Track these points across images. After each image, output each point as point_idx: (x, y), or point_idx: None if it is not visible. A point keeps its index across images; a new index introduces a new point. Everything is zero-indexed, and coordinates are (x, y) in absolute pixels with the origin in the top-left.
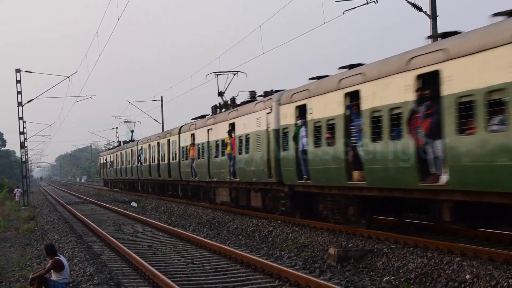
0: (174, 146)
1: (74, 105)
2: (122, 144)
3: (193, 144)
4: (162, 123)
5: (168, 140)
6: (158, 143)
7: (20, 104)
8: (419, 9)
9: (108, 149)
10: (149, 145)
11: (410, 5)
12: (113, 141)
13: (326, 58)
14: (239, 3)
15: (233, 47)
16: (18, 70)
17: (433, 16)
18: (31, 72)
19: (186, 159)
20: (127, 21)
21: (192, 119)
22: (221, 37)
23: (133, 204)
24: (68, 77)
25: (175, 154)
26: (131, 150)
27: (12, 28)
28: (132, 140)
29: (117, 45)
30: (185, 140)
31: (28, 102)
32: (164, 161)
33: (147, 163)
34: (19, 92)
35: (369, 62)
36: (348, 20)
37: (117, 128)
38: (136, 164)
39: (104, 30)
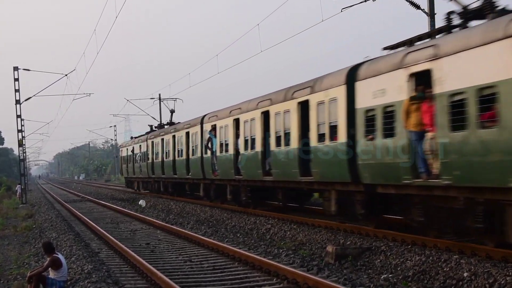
0: (329, 112)
1: (72, 103)
2: (158, 128)
3: (425, 95)
4: (160, 121)
5: (302, 104)
6: (265, 113)
7: (18, 102)
8: (417, 7)
9: (134, 137)
10: (236, 120)
11: (408, 3)
12: (111, 139)
13: (325, 57)
14: (237, 2)
15: (231, 45)
16: (16, 68)
17: (431, 14)
18: (29, 70)
19: (385, 137)
20: (126, 19)
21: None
22: (219, 35)
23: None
24: (66, 75)
25: (334, 129)
26: (186, 133)
27: (11, 28)
28: (172, 123)
29: (115, 43)
30: (383, 92)
31: (26, 100)
32: (288, 145)
33: (229, 152)
34: (17, 90)
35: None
36: (346, 18)
37: (115, 126)
38: (198, 155)
39: (103, 28)
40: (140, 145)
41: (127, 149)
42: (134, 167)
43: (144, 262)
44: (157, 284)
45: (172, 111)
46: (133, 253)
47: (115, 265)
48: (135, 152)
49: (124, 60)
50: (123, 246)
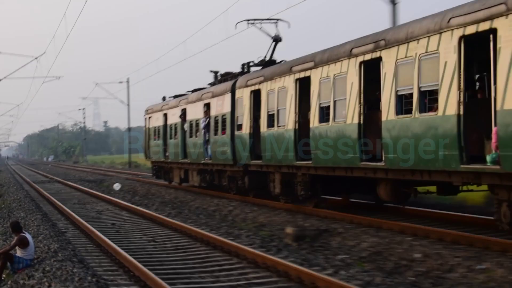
0: None
1: (42, 86)
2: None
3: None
4: (128, 105)
5: None
6: None
7: None
8: None
9: (175, 97)
10: None
11: None
12: (80, 122)
13: (294, 42)
14: None
15: (199, 31)
16: None
17: (393, 2)
18: None
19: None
20: (96, 4)
21: None
22: (187, 21)
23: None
24: (36, 58)
25: None
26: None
27: None
28: (272, 61)
29: (85, 27)
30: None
31: None
32: None
33: None
34: None
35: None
36: (313, 5)
37: (84, 109)
38: None
39: (73, 13)
40: (205, 104)
41: (164, 115)
42: (187, 146)
43: (109, 241)
44: (121, 263)
45: (276, 39)
46: (98, 233)
47: (81, 244)
48: (188, 118)
49: (94, 44)
50: (89, 226)
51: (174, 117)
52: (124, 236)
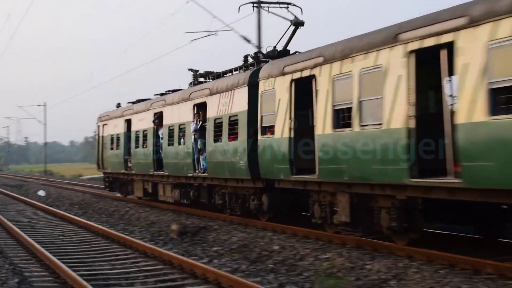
0: None
1: None
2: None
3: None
4: (45, 124)
5: None
6: None
7: None
8: (248, 41)
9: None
10: None
11: (242, 38)
12: (5, 137)
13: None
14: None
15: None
16: None
17: (259, 47)
18: None
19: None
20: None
21: None
22: (94, 49)
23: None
24: None
25: None
26: None
27: None
28: (286, 51)
29: (9, 55)
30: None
31: None
32: None
33: None
34: None
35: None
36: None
37: (8, 127)
38: None
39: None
40: (196, 105)
41: (126, 121)
42: (164, 156)
43: (25, 236)
44: (34, 254)
45: (297, 23)
46: (16, 229)
47: (1, 238)
48: (165, 123)
49: (18, 70)
50: (8, 223)
51: (142, 123)
52: (38, 232)
